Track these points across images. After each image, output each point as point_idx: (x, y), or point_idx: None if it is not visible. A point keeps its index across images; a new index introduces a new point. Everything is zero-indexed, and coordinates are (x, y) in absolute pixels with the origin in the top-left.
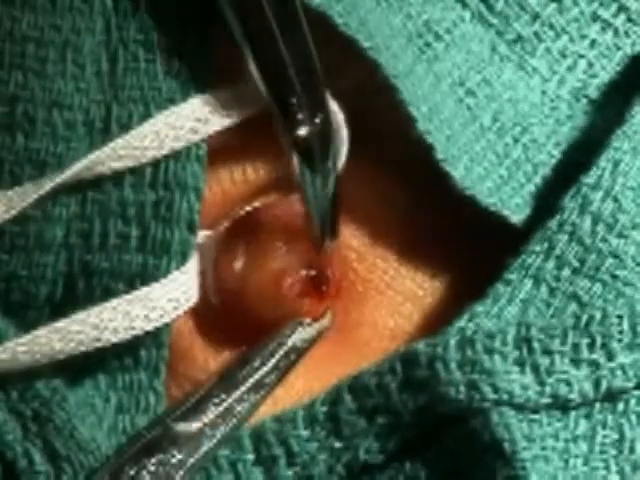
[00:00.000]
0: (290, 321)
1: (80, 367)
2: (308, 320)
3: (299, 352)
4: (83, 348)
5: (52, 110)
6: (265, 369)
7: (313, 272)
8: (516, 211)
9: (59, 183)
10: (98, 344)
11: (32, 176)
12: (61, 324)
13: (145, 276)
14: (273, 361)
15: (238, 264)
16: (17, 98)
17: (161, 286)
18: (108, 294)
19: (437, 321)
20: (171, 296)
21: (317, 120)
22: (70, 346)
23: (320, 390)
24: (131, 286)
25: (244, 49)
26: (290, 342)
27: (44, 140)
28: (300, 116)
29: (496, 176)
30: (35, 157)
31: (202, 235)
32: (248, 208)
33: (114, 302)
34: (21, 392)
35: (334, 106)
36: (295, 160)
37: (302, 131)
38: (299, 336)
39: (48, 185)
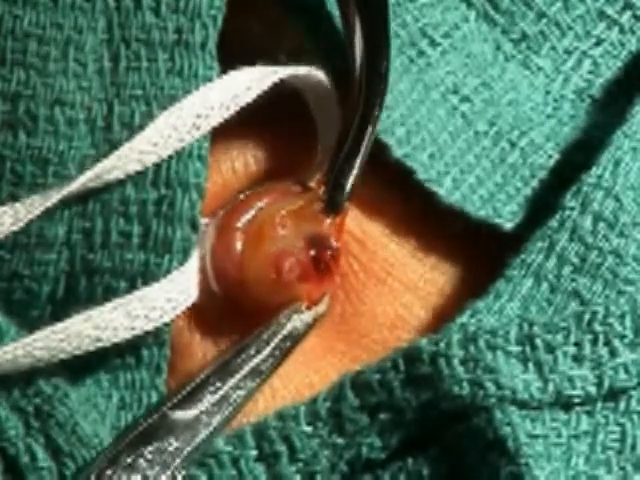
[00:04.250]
0: (286, 307)
1: (82, 365)
2: (304, 306)
3: (295, 339)
4: (83, 348)
5: (54, 108)
6: (261, 356)
7: (313, 252)
8: (509, 218)
9: (65, 195)
10: (98, 344)
11: (34, 174)
12: (60, 325)
13: (147, 274)
14: (269, 348)
15: (237, 249)
16: (19, 96)
17: (162, 285)
18: (110, 292)
19: (437, 313)
20: (171, 295)
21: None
22: (71, 347)
23: (320, 383)
24: (133, 284)
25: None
26: (286, 329)
27: (46, 138)
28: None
29: (490, 184)
30: (37, 155)
31: (201, 224)
32: (245, 194)
33: (114, 302)
34: (23, 388)
35: None
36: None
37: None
38: (295, 323)
39: (54, 197)
